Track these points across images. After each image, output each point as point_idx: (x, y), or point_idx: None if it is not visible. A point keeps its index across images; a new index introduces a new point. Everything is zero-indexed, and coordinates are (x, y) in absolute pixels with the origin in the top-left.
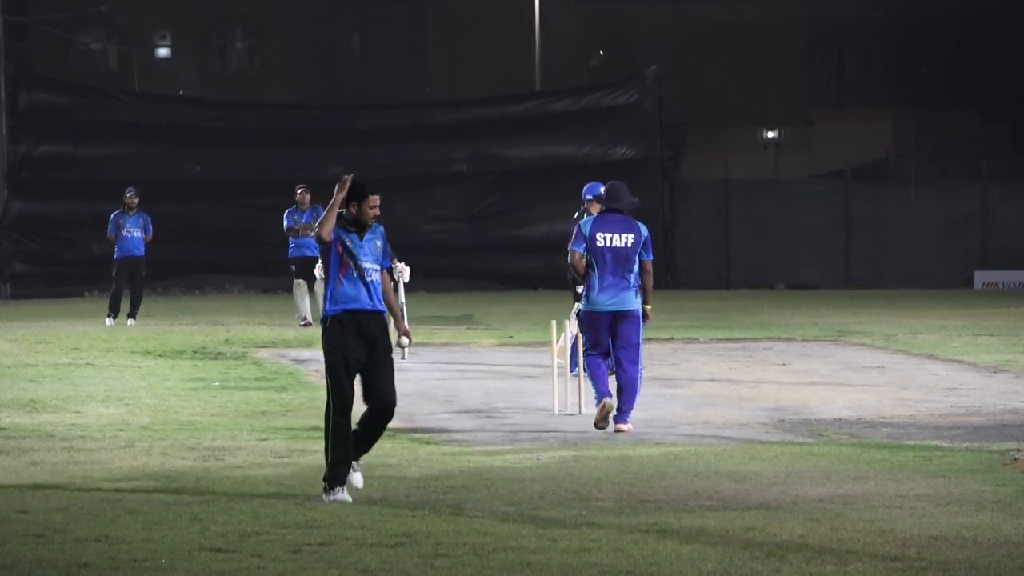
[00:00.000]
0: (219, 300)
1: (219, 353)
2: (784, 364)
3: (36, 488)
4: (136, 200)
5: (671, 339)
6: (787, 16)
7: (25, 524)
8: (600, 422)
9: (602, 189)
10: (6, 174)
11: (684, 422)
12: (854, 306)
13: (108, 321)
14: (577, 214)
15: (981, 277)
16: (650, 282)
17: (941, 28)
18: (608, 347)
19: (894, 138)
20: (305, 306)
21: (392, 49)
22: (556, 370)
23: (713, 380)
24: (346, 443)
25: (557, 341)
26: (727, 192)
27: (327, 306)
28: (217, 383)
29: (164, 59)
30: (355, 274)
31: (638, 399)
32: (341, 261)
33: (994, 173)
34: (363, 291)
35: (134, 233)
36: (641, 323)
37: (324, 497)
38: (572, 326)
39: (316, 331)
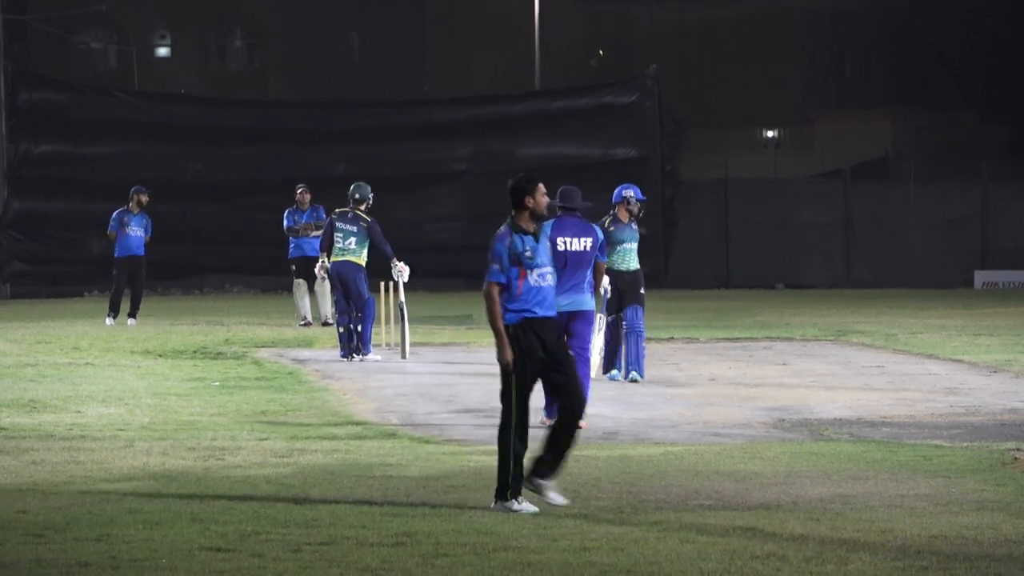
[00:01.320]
0: (219, 300)
1: (219, 353)
2: (784, 364)
3: (36, 488)
4: (146, 199)
5: (671, 339)
6: (787, 16)
7: (25, 524)
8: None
9: (627, 193)
10: (6, 173)
11: (684, 422)
12: (854, 306)
13: (108, 321)
14: (609, 219)
15: (981, 277)
16: (601, 281)
17: (941, 28)
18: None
19: (894, 138)
20: (305, 306)
21: (392, 49)
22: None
23: (713, 380)
24: (519, 459)
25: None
26: (727, 192)
27: (507, 316)
28: (217, 383)
29: (164, 58)
30: (533, 281)
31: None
32: (520, 269)
33: (994, 173)
34: (543, 297)
35: (137, 232)
36: (594, 322)
37: (510, 505)
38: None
39: (316, 331)
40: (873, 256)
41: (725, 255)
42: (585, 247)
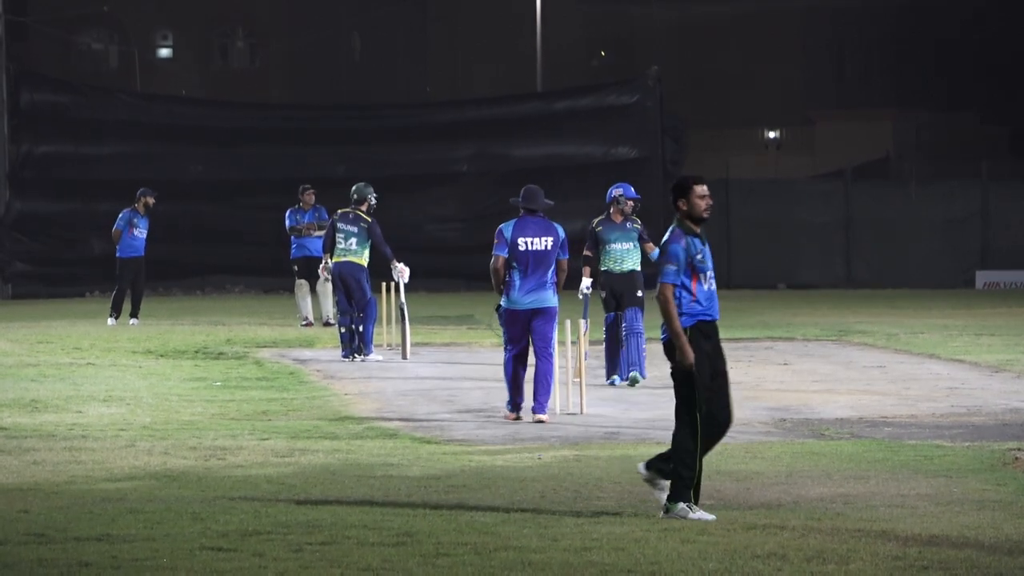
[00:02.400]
0: (220, 300)
1: (220, 353)
2: (785, 364)
3: (37, 487)
4: (153, 202)
5: None
6: (788, 16)
7: (26, 523)
8: (510, 413)
9: (616, 192)
10: (7, 173)
11: None
12: (855, 306)
13: (110, 321)
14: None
15: (982, 277)
16: (562, 279)
17: (941, 28)
18: (527, 343)
19: (894, 138)
20: (307, 306)
21: (393, 49)
22: (556, 370)
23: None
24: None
25: (575, 340)
26: (728, 192)
27: (682, 319)
28: (218, 383)
29: (165, 59)
30: (706, 284)
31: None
32: (692, 272)
33: (994, 173)
34: (714, 300)
35: (143, 233)
36: (556, 319)
37: (686, 512)
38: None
39: (318, 331)
40: (874, 256)
41: (726, 255)
42: (546, 246)
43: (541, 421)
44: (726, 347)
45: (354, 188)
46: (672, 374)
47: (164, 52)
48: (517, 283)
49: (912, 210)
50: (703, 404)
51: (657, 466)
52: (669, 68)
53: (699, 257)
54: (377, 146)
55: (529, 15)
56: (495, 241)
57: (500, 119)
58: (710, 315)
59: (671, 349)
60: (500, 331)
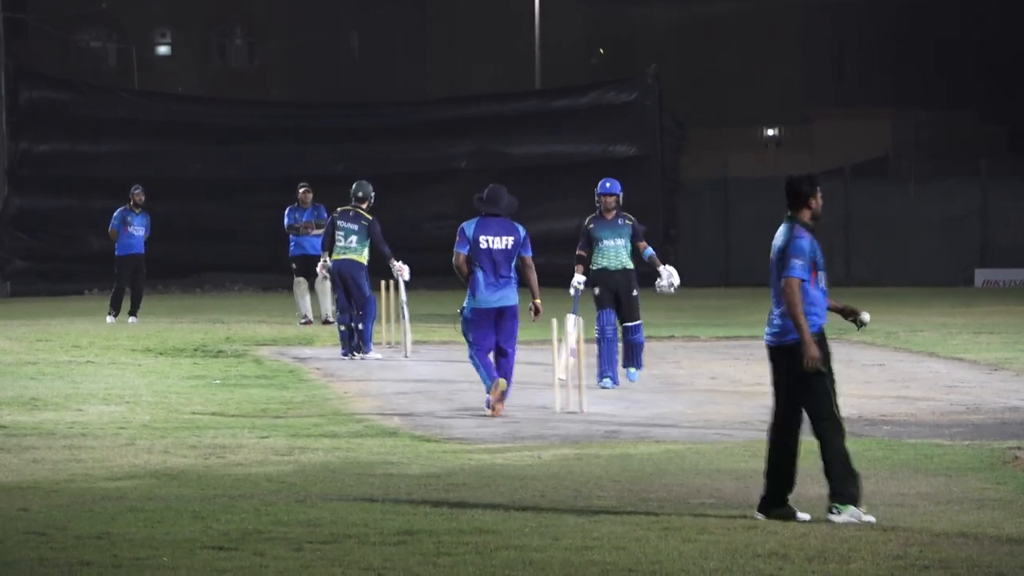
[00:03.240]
0: (219, 298)
1: (220, 351)
2: None
3: (37, 486)
4: (143, 198)
5: (672, 337)
6: (787, 15)
7: (26, 522)
8: (496, 403)
9: (597, 189)
10: (6, 171)
11: (686, 420)
12: (854, 304)
13: (109, 318)
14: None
15: (981, 275)
16: (533, 276)
17: (941, 27)
18: (494, 341)
19: (893, 137)
20: (305, 304)
21: (392, 48)
22: (557, 369)
23: (714, 378)
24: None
25: (563, 339)
26: (727, 191)
27: (812, 319)
28: (218, 381)
29: (164, 57)
30: (821, 284)
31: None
32: (812, 270)
33: (993, 171)
34: (824, 303)
35: (139, 231)
36: (517, 316)
37: (855, 515)
38: (571, 329)
39: (317, 329)
40: (873, 254)
41: (725, 253)
42: (507, 245)
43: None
44: (726, 346)
45: (356, 185)
46: (795, 380)
47: (163, 50)
48: (481, 283)
49: (911, 209)
50: (836, 404)
51: (834, 495)
52: (668, 66)
53: (820, 254)
54: (376, 144)
55: (528, 13)
56: (457, 239)
57: (499, 117)
58: (820, 317)
59: (791, 353)
60: (460, 330)
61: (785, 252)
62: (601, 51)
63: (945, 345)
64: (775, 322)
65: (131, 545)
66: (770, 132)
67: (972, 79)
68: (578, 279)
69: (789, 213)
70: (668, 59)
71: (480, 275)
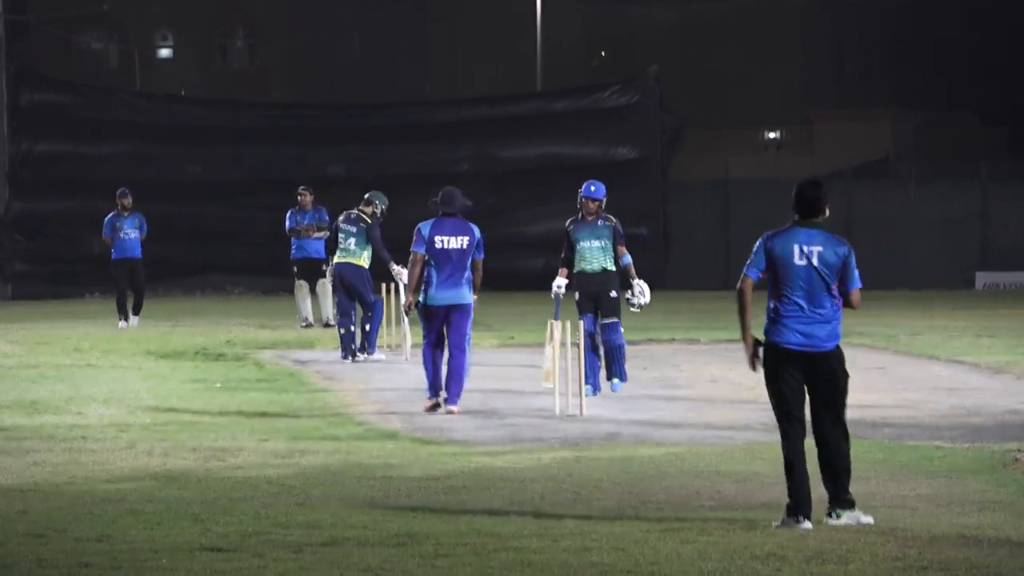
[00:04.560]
0: (220, 301)
1: (220, 354)
2: None
3: (37, 488)
4: (129, 201)
5: (672, 340)
6: (787, 15)
7: (26, 524)
8: (429, 411)
9: (594, 188)
10: (7, 173)
11: (685, 423)
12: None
13: (121, 324)
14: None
15: (982, 278)
16: (479, 277)
17: (941, 28)
18: (443, 334)
19: (894, 138)
20: (306, 307)
21: (392, 49)
22: (556, 370)
23: (714, 381)
24: None
25: (552, 341)
26: (727, 192)
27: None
28: (218, 384)
29: (165, 58)
30: None
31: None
32: None
33: (993, 173)
34: None
35: (131, 234)
36: (472, 314)
37: (844, 520)
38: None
39: (317, 332)
40: (873, 256)
41: (725, 255)
42: (461, 245)
43: (451, 412)
44: (726, 348)
45: (370, 193)
46: (843, 384)
47: (164, 52)
48: (434, 280)
49: (911, 210)
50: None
51: (843, 499)
52: (669, 68)
53: None
54: (377, 145)
55: (529, 15)
56: (414, 238)
57: (500, 119)
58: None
59: (841, 359)
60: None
61: (849, 263)
62: (602, 53)
63: (946, 348)
64: (826, 329)
65: (131, 547)
66: (770, 134)
67: (972, 80)
68: (559, 282)
69: (807, 219)
70: (669, 61)
71: (434, 273)
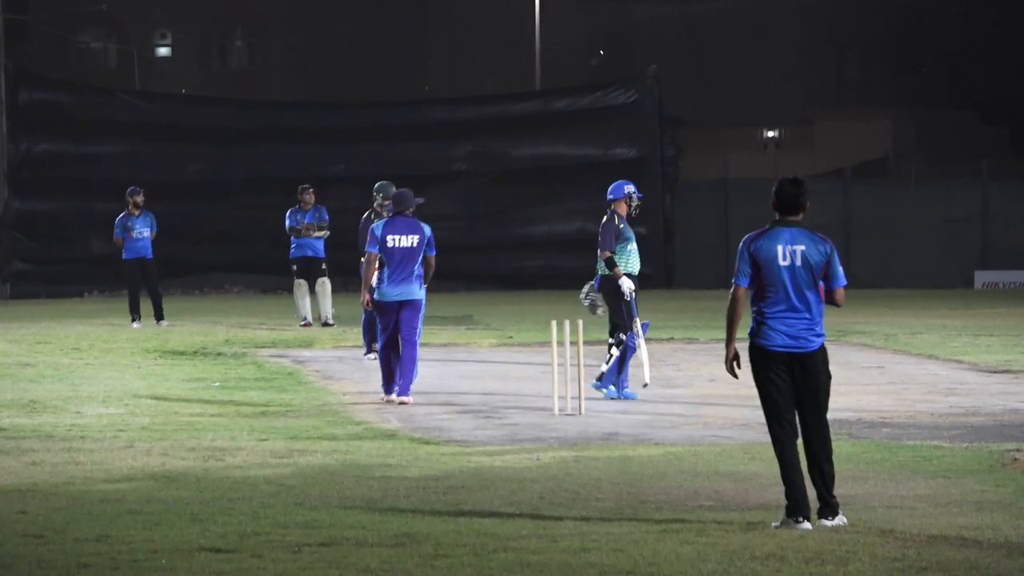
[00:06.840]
0: (219, 300)
1: (219, 353)
2: None
3: (36, 488)
4: (141, 199)
5: (671, 339)
6: (787, 14)
7: (25, 524)
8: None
9: (628, 188)
10: (6, 173)
11: (684, 422)
12: (854, 306)
13: (135, 324)
14: (606, 217)
15: (981, 277)
16: (431, 273)
17: (941, 28)
18: (396, 331)
19: (894, 138)
20: (305, 306)
21: (392, 48)
22: (556, 370)
23: (713, 380)
24: None
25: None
26: (727, 192)
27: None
28: (217, 383)
29: (164, 58)
30: None
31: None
32: None
33: (993, 173)
34: None
35: (143, 234)
36: (423, 309)
37: (837, 520)
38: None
39: (316, 331)
40: (873, 256)
41: (725, 255)
42: (413, 243)
43: (404, 403)
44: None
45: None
46: (826, 383)
47: (163, 51)
48: (387, 278)
49: (911, 210)
50: None
51: (831, 503)
52: (668, 67)
53: None
54: (376, 145)
55: (528, 14)
56: (368, 239)
57: (499, 118)
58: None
59: (825, 359)
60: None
61: (833, 261)
62: (601, 52)
63: (945, 347)
64: (812, 329)
65: (129, 547)
66: (770, 133)
67: (972, 79)
68: (630, 283)
69: (787, 217)
70: (668, 59)
71: (386, 271)
